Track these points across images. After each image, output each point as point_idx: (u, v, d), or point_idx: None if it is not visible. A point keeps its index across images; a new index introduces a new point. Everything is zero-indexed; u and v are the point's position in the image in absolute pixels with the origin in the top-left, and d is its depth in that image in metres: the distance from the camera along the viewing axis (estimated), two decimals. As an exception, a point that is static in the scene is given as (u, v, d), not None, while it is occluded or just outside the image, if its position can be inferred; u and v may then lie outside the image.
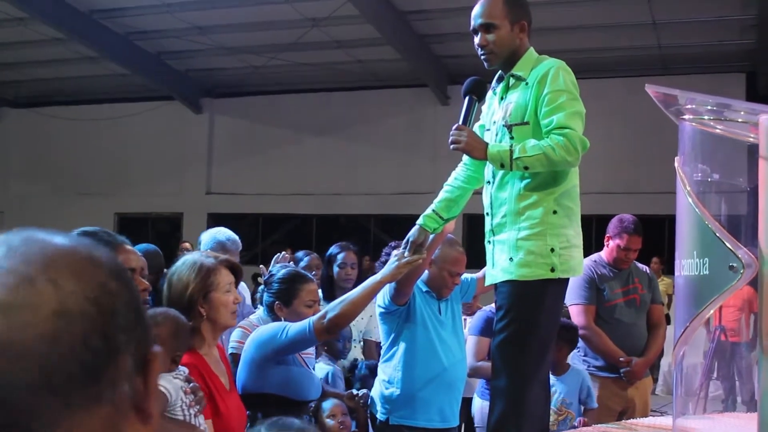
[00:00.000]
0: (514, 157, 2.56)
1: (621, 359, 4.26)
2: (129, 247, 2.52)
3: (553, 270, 2.60)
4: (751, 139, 2.25)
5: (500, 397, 2.65)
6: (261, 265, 4.38)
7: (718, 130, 2.36)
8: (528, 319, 2.62)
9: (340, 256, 4.40)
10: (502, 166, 2.61)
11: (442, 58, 12.99)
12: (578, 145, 2.55)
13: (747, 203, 2.32)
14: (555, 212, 2.63)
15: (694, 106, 2.34)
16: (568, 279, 2.71)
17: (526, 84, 2.67)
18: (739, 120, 2.32)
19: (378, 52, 12.53)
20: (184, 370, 2.33)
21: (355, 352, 4.19)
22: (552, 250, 2.60)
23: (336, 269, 4.36)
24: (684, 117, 2.37)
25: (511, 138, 2.65)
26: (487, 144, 2.66)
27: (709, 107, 2.32)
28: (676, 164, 2.32)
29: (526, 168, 2.58)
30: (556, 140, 2.54)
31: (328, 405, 3.18)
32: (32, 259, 0.63)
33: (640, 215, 4.59)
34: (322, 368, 3.75)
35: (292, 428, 2.17)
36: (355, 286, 3.46)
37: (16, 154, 16.53)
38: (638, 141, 11.32)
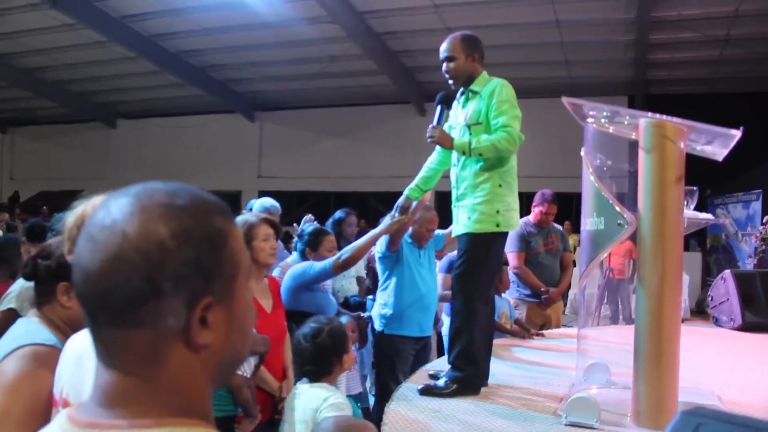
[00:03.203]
0: (472, 147, 2.55)
1: (542, 289, 4.30)
2: None
3: (498, 225, 2.59)
4: (633, 137, 2.26)
5: (458, 314, 2.64)
6: (294, 224, 4.36)
7: (610, 130, 2.36)
8: (480, 259, 2.60)
9: (348, 220, 4.23)
10: (464, 153, 2.60)
11: (422, 83, 12.85)
12: (516, 139, 2.53)
13: (629, 180, 2.33)
14: (500, 186, 2.60)
15: (594, 113, 2.34)
16: (507, 232, 2.69)
17: (480, 96, 2.65)
18: (625, 123, 2.33)
19: (376, 79, 12.41)
20: None
21: (352, 285, 4.10)
22: (497, 212, 2.58)
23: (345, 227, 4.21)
24: (588, 120, 2.37)
25: (470, 134, 2.63)
26: (453, 138, 2.64)
27: (605, 113, 2.32)
28: (582, 154, 2.33)
29: (480, 155, 2.56)
30: (501, 135, 2.52)
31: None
32: (125, 210, 0.59)
33: (556, 191, 4.58)
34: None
35: (323, 321, 2.17)
36: (356, 238, 3.41)
37: (127, 150, 16.46)
38: (556, 139, 11.23)
